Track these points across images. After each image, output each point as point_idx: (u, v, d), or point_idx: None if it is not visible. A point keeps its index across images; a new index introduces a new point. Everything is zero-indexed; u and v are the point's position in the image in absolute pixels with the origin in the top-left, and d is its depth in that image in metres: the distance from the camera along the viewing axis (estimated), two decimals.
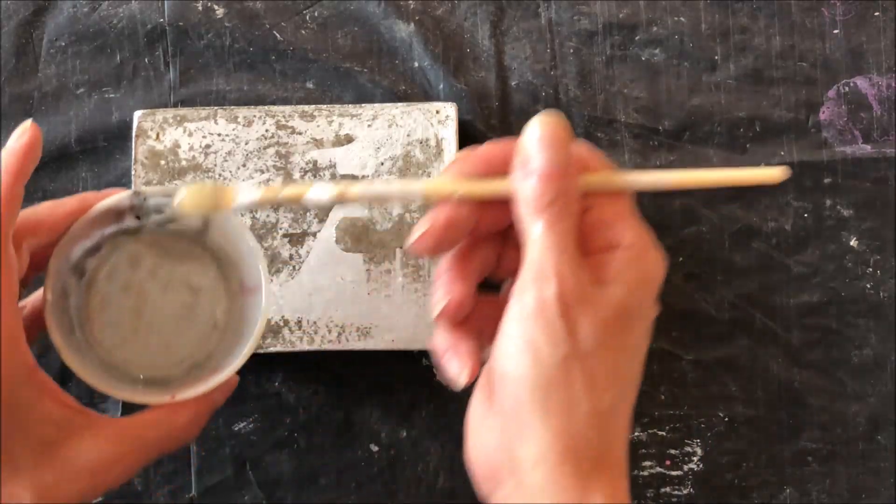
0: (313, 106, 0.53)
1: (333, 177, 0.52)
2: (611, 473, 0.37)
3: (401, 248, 0.52)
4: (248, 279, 0.47)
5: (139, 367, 0.48)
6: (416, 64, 0.56)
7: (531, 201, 0.37)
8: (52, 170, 0.55)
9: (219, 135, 0.52)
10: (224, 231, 0.47)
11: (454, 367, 0.40)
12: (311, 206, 0.48)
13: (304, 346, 0.52)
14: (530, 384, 0.36)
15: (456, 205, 0.39)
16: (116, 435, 0.42)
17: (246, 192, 0.41)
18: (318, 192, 0.40)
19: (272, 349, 0.52)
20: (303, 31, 0.56)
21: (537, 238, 0.37)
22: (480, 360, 0.40)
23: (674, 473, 0.55)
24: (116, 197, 0.45)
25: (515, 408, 0.37)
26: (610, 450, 0.37)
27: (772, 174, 0.38)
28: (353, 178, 0.52)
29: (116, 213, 0.45)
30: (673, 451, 0.55)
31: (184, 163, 0.52)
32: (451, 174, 0.40)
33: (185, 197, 0.42)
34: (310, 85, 0.56)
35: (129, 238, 0.47)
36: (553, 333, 0.36)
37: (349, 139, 0.52)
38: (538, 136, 0.38)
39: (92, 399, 0.55)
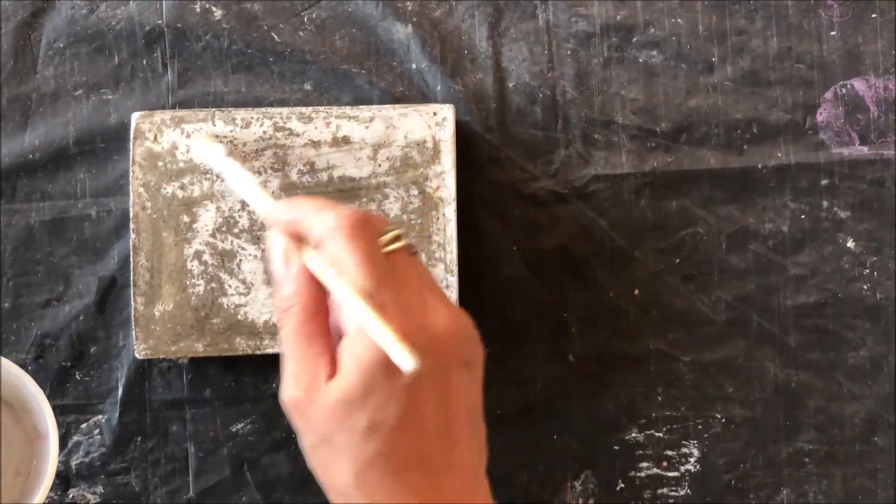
0: (311, 108, 0.53)
1: (331, 179, 0.52)
2: None
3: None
4: (40, 425, 0.47)
5: None
6: (414, 65, 0.56)
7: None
8: (50, 171, 0.55)
9: (216, 136, 0.52)
10: (10, 381, 0.48)
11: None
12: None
13: None
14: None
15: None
16: None
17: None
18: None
19: (269, 350, 0.52)
20: (301, 33, 0.56)
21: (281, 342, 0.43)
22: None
23: (671, 475, 0.55)
24: None
25: None
26: None
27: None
28: (352, 179, 0.52)
29: None
30: (670, 453, 0.55)
31: (181, 164, 0.52)
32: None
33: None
34: (307, 86, 0.56)
35: None
36: (296, 428, 0.42)
37: (347, 141, 0.52)
38: (267, 252, 0.44)
39: (83, 412, 0.55)
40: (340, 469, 0.40)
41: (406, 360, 0.38)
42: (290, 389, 0.41)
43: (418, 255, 0.44)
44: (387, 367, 0.39)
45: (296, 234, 0.43)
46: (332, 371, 0.40)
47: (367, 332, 0.39)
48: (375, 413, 0.39)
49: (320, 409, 0.40)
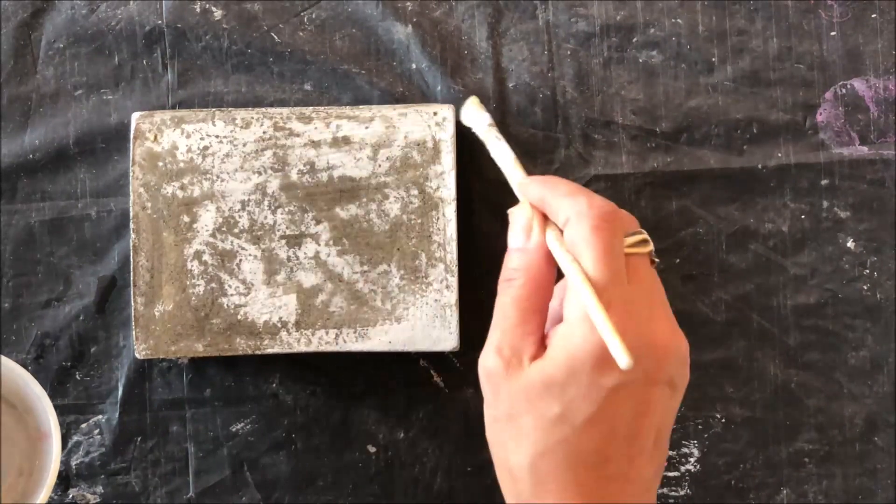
0: (311, 108, 0.53)
1: (331, 179, 0.52)
2: None
3: (398, 249, 0.52)
4: (43, 425, 0.48)
5: None
6: (414, 65, 0.56)
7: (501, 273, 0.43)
8: (50, 172, 0.55)
9: (216, 136, 0.52)
10: (13, 380, 0.48)
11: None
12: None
13: (302, 348, 0.52)
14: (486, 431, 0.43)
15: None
16: None
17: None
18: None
19: (270, 350, 0.52)
20: (301, 33, 0.56)
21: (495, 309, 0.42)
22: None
23: (671, 474, 0.55)
24: None
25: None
26: (545, 495, 0.40)
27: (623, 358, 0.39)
28: (352, 179, 0.52)
29: None
30: (670, 453, 0.55)
31: (181, 164, 0.52)
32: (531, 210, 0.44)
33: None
34: (307, 87, 0.56)
35: None
36: (485, 398, 0.42)
37: (347, 141, 0.52)
38: (510, 223, 0.44)
39: (84, 412, 0.55)
40: (519, 449, 0.40)
41: (622, 357, 0.38)
42: (491, 359, 0.41)
43: (657, 266, 0.44)
44: (595, 362, 0.39)
45: (542, 210, 0.43)
46: (537, 352, 0.40)
47: (590, 321, 0.39)
48: (570, 404, 0.39)
49: (516, 386, 0.40)
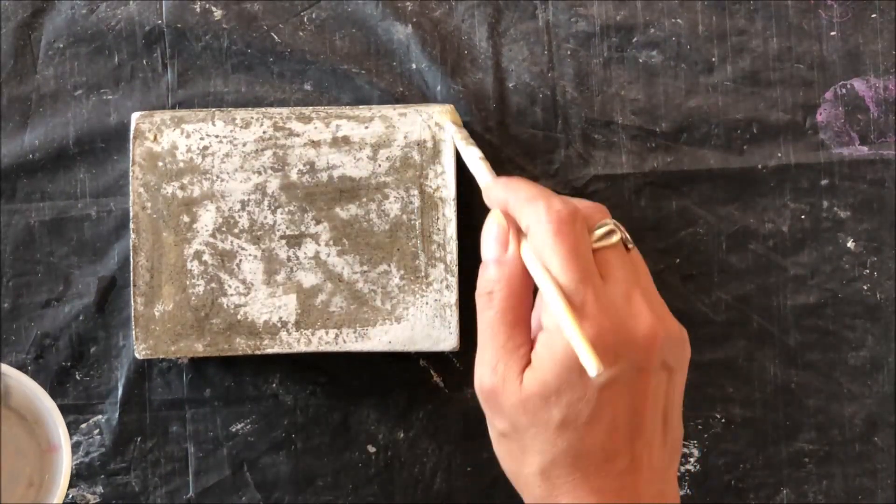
0: (311, 108, 0.53)
1: (331, 179, 0.52)
2: None
3: (398, 249, 0.52)
4: (53, 437, 0.48)
5: None
6: (414, 65, 0.56)
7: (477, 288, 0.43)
8: (50, 172, 0.55)
9: (216, 136, 0.52)
10: (23, 392, 0.48)
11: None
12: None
13: (302, 348, 0.52)
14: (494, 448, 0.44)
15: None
16: None
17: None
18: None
19: (269, 350, 0.52)
20: (300, 33, 0.56)
21: (478, 325, 0.43)
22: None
23: None
24: None
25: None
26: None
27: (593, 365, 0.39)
28: (352, 179, 0.52)
29: None
30: None
31: (181, 164, 0.52)
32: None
33: None
34: (307, 87, 0.56)
35: None
36: (486, 416, 0.43)
37: (346, 141, 0.52)
38: (484, 234, 0.44)
39: (83, 412, 0.55)
40: (528, 460, 0.41)
41: (591, 366, 0.38)
42: (487, 377, 0.41)
43: (634, 250, 0.44)
44: (581, 365, 0.39)
45: (512, 217, 0.43)
46: (529, 363, 0.41)
47: (561, 330, 0.39)
48: (568, 409, 0.40)
49: (515, 400, 0.40)
